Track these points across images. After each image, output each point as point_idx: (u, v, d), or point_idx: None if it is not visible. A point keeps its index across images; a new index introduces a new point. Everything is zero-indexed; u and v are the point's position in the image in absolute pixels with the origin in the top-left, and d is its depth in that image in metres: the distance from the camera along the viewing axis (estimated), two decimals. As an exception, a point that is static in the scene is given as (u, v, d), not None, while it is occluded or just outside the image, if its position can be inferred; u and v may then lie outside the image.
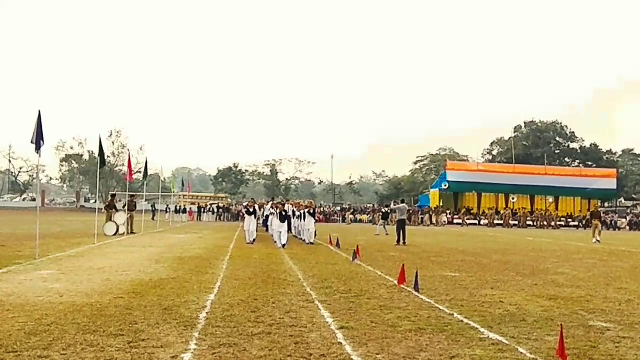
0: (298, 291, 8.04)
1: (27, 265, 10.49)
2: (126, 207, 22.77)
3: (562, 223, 46.92)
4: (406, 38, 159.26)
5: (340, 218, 48.04)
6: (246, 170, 78.84)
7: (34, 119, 11.65)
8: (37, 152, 12.05)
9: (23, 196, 76.87)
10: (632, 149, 76.99)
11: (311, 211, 18.36)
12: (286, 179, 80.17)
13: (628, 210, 53.11)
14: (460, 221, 46.47)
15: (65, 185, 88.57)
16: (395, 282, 8.92)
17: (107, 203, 22.71)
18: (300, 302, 7.12)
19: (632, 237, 30.70)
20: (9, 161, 77.41)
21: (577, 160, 72.54)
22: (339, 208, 54.35)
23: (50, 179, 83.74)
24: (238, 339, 5.20)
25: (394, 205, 22.51)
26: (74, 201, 77.25)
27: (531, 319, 6.36)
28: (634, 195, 70.84)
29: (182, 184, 48.29)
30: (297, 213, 19.71)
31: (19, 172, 78.41)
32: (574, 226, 46.07)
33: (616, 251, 18.12)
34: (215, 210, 49.27)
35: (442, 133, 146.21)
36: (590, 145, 73.17)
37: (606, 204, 61.03)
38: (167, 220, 37.64)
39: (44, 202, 69.53)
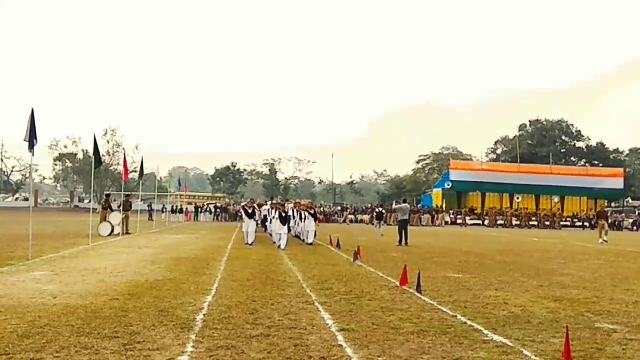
0: (297, 293, 7.93)
1: (19, 267, 10.36)
2: (121, 207, 22.60)
3: (568, 223, 46.78)
4: (406, 34, 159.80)
5: (342, 218, 47.91)
6: (244, 170, 78.80)
7: (27, 117, 11.50)
8: (31, 151, 11.88)
9: (16, 196, 76.55)
10: (639, 148, 76.91)
11: (312, 212, 18.22)
12: (285, 178, 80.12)
13: (636, 211, 52.95)
14: (465, 222, 46.43)
15: (58, 185, 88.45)
16: (397, 283, 8.82)
17: (103, 203, 22.53)
18: (299, 304, 7.02)
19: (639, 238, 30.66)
20: (1, 160, 77.14)
21: (584, 160, 72.51)
22: (339, 208, 54.20)
23: (44, 178, 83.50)
24: (236, 341, 5.11)
25: (396, 205, 22.41)
26: (68, 201, 76.99)
27: (536, 321, 6.27)
28: (641, 195, 70.86)
29: (179, 184, 48.13)
30: (302, 214, 19.50)
31: (12, 171, 78.08)
32: (579, 226, 45.97)
33: (623, 252, 18.05)
34: (213, 210, 49.12)
35: (444, 131, 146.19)
36: (597, 144, 73.11)
37: (613, 204, 60.98)
38: (163, 221, 37.47)
39: (37, 202, 69.29)
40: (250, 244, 16.94)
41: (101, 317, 5.96)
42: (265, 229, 22.95)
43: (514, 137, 73.06)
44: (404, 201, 21.58)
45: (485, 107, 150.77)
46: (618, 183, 53.06)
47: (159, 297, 7.27)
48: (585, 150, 73.80)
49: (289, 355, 4.71)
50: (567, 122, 75.24)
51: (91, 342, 4.96)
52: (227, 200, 63.78)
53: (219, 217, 47.77)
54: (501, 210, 48.31)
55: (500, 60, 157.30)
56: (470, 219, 46.91)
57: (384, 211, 30.20)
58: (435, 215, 45.62)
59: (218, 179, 77.86)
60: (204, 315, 6.21)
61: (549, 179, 51.09)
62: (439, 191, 52.21)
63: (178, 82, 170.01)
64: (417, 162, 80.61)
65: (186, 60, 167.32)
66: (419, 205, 52.54)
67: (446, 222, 46.09)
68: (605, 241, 22.51)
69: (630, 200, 68.22)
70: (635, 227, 45.59)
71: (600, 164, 64.75)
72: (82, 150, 70.57)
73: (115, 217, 21.37)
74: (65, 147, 72.40)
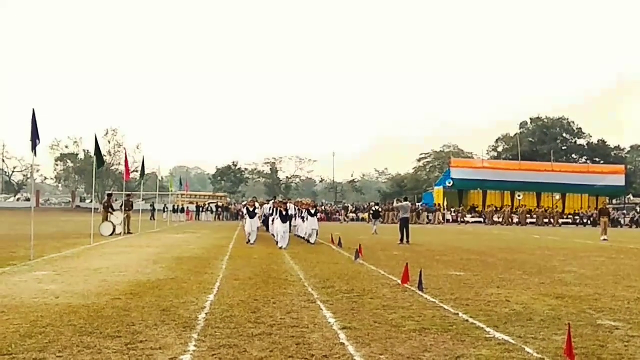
0: (299, 291, 7.93)
1: (21, 267, 10.37)
2: (123, 207, 22.61)
3: (569, 221, 46.66)
4: (409, 34, 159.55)
5: (341, 217, 47.89)
6: (245, 169, 78.83)
7: (28, 117, 11.51)
8: (33, 152, 11.89)
9: (17, 196, 76.59)
10: (640, 145, 76.88)
11: (313, 210, 18.20)
12: (286, 177, 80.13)
13: (637, 208, 52.83)
14: (464, 219, 46.37)
15: (60, 185, 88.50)
16: (399, 281, 8.82)
17: (104, 203, 22.55)
18: (301, 302, 7.02)
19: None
20: (3, 161, 77.11)
21: (585, 157, 72.46)
22: (340, 206, 54.18)
23: (45, 178, 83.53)
24: (238, 340, 5.10)
25: (397, 203, 22.41)
26: (69, 201, 77.01)
27: (538, 318, 6.26)
28: (642, 192, 70.64)
29: (180, 183, 48.16)
30: (303, 212, 19.46)
31: (13, 171, 78.14)
32: (580, 224, 45.88)
33: (625, 249, 18.03)
34: (214, 209, 49.13)
35: (446, 129, 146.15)
36: (598, 141, 73.05)
37: (614, 201, 60.86)
38: (164, 220, 37.49)
39: (38, 202, 69.32)
40: (252, 243, 16.95)
41: (103, 317, 5.96)
42: (267, 228, 22.91)
43: (515, 134, 72.96)
44: (405, 199, 21.57)
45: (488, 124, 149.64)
46: (619, 180, 52.91)
47: (161, 297, 7.28)
48: (586, 147, 73.73)
49: (291, 353, 4.71)
50: (567, 119, 75.19)
51: (93, 341, 4.96)
52: (228, 199, 63.81)
53: (221, 217, 47.79)
54: (501, 207, 48.24)
55: (501, 70, 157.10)
56: (471, 217, 46.88)
57: (380, 209, 30.13)
58: (433, 213, 45.59)
59: (219, 178, 77.93)
60: (206, 314, 6.21)
61: (550, 176, 50.99)
62: (440, 189, 52.09)
63: (179, 82, 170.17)
64: (418, 160, 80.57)
65: (187, 61, 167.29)
66: (419, 204, 52.47)
67: (447, 220, 46.05)
68: (605, 239, 22.45)
69: (631, 197, 68.07)
70: (633, 224, 45.52)
71: (602, 161, 64.68)
72: (84, 150, 70.73)
73: (117, 217, 21.39)
74: (66, 147, 72.59)
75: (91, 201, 58.52)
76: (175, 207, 46.92)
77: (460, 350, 4.87)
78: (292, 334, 5.36)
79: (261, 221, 24.27)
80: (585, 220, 46.17)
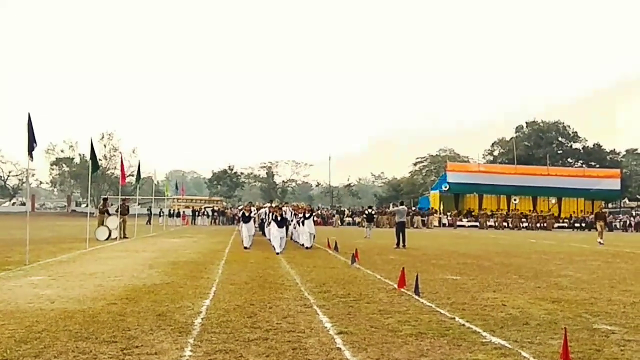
0: (296, 296, 7.92)
1: (17, 272, 10.31)
2: (119, 212, 22.54)
3: (564, 225, 46.77)
4: (404, 39, 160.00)
5: (339, 221, 47.82)
6: (242, 173, 78.78)
7: (24, 122, 11.49)
8: (30, 156, 11.85)
9: (12, 201, 76.35)
10: (636, 149, 76.98)
11: (309, 215, 18.18)
12: (283, 181, 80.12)
13: (633, 212, 53.02)
14: (460, 223, 46.43)
15: (55, 190, 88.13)
16: (395, 285, 8.82)
17: (100, 207, 22.49)
18: (298, 307, 7.01)
19: (638, 239, 30.66)
20: (-2, 165, 76.75)
21: (580, 161, 72.59)
22: (333, 211, 54.12)
23: (41, 183, 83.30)
24: (234, 345, 5.09)
25: (393, 207, 22.45)
26: (65, 205, 76.84)
27: (534, 323, 6.27)
28: (638, 196, 70.63)
29: (176, 188, 48.05)
30: (298, 217, 19.44)
31: (8, 176, 77.81)
32: (573, 228, 45.96)
33: (620, 253, 18.05)
34: (210, 214, 49.03)
35: (442, 133, 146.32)
36: (594, 145, 73.26)
37: (610, 205, 61.06)
38: (160, 225, 37.40)
39: (34, 206, 69.12)
40: (248, 248, 16.91)
41: (99, 322, 5.94)
42: (264, 233, 22.88)
43: (511, 138, 73.20)
44: (401, 204, 21.60)
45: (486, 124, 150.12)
46: (615, 184, 53.13)
47: (156, 302, 7.26)
48: (582, 151, 73.96)
49: (287, 358, 4.71)
50: (563, 123, 75.44)
51: (89, 347, 4.94)
52: (224, 203, 63.70)
53: (217, 221, 47.69)
54: (496, 211, 48.33)
55: (497, 72, 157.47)
56: (468, 221, 46.94)
57: (374, 213, 30.11)
58: (427, 218, 45.61)
59: (215, 182, 77.86)
60: (202, 319, 6.20)
61: (546, 180, 51.16)
62: (436, 193, 52.22)
63: (175, 86, 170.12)
64: (415, 165, 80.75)
65: (183, 65, 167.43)
66: (414, 208, 52.53)
67: (444, 225, 46.08)
68: (601, 243, 22.51)
69: (627, 201, 68.36)
70: (627, 229, 45.63)
71: (597, 165, 64.85)
72: (79, 154, 70.49)
73: (113, 222, 21.32)
74: (62, 151, 72.33)
75: (87, 206, 58.40)
76: (172, 211, 46.81)
77: (457, 355, 4.87)
78: (288, 339, 5.36)
79: (257, 225, 24.26)
80: (581, 224, 46.26)
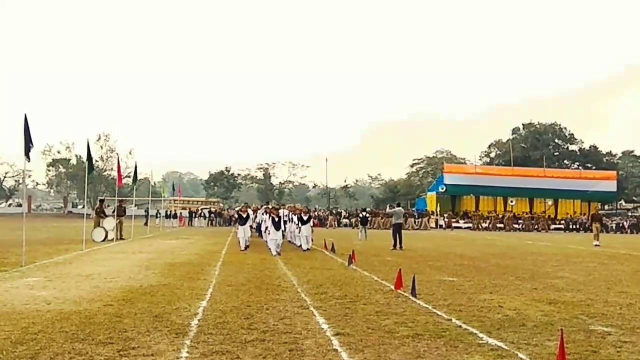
0: (292, 297, 7.92)
1: (13, 273, 10.29)
2: (115, 213, 22.50)
3: (560, 226, 46.83)
4: (400, 37, 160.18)
5: (335, 222, 47.80)
6: (239, 174, 78.72)
7: (20, 122, 11.46)
8: (27, 157, 11.83)
9: (9, 202, 76.12)
10: (632, 151, 77.08)
11: (307, 217, 18.15)
12: (280, 182, 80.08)
13: (629, 213, 53.16)
14: (457, 225, 46.49)
15: (52, 191, 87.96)
16: (392, 287, 8.82)
17: (97, 209, 22.43)
18: (294, 309, 7.00)
19: (634, 240, 30.73)
20: (-6, 166, 76.53)
21: (577, 163, 72.81)
22: (330, 212, 54.03)
23: (37, 184, 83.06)
24: (231, 346, 5.09)
25: (390, 209, 22.48)
26: (62, 207, 76.62)
27: (531, 324, 6.28)
28: (634, 198, 70.91)
29: (173, 189, 47.99)
30: (294, 218, 19.41)
31: (5, 177, 77.62)
32: (570, 229, 46.03)
33: (617, 254, 18.09)
34: (207, 215, 48.99)
35: (439, 133, 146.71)
36: (590, 147, 73.45)
37: (606, 207, 61.20)
38: (157, 226, 37.33)
39: (30, 208, 68.97)
40: (245, 250, 16.88)
41: (95, 323, 5.93)
42: (260, 235, 22.83)
43: (508, 140, 73.32)
44: (398, 205, 21.62)
45: (479, 116, 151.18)
46: (611, 186, 53.28)
47: (153, 303, 7.25)
48: (578, 153, 74.14)
49: (284, 359, 4.70)
50: (560, 125, 75.59)
51: (85, 348, 4.93)
52: (221, 205, 63.66)
53: (213, 222, 47.64)
54: (489, 213, 48.45)
55: (494, 70, 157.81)
56: (464, 223, 47.01)
57: (368, 216, 30.09)
58: (421, 220, 45.63)
59: (212, 183, 77.79)
60: (198, 320, 6.19)
61: (543, 182, 51.28)
62: (433, 195, 52.28)
63: (172, 87, 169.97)
64: (412, 166, 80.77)
65: (179, 66, 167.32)
66: (412, 209, 52.56)
67: (441, 226, 46.14)
68: (598, 245, 22.56)
69: (623, 203, 68.55)
70: (620, 230, 45.71)
71: (594, 167, 65.04)
72: (76, 155, 70.35)
73: (109, 223, 21.28)
74: (58, 152, 72.23)
75: (83, 207, 58.22)
76: (168, 212, 46.75)
77: (454, 357, 4.88)
78: (285, 340, 5.35)
79: (255, 227, 24.23)
80: (577, 226, 46.35)
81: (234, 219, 37.24)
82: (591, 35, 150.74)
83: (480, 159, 75.88)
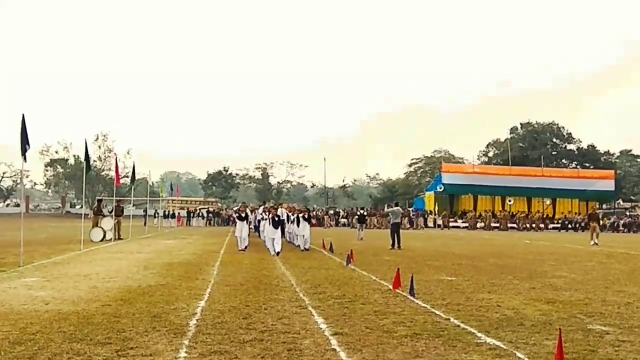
0: (291, 297, 7.92)
1: (11, 273, 10.27)
2: (113, 213, 22.48)
3: (558, 225, 46.89)
4: (398, 34, 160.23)
5: (331, 222, 47.77)
6: (237, 174, 78.69)
7: (18, 122, 11.45)
8: (23, 157, 11.81)
9: (7, 202, 75.99)
10: (630, 150, 77.27)
11: (306, 216, 18.13)
12: (278, 182, 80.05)
13: (627, 213, 53.20)
14: (455, 224, 46.50)
15: (50, 191, 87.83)
16: (391, 287, 8.83)
17: (95, 209, 22.41)
18: (293, 308, 7.00)
19: (631, 239, 30.78)
20: (-8, 166, 76.35)
21: (575, 162, 72.80)
22: (332, 212, 54.03)
23: (35, 184, 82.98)
24: (229, 346, 5.09)
25: (388, 209, 22.48)
26: (60, 207, 76.53)
27: (529, 323, 6.28)
28: (632, 197, 70.97)
29: (171, 189, 47.95)
30: (292, 218, 19.39)
31: (2, 177, 77.49)
32: (568, 229, 46.07)
33: (615, 254, 18.11)
34: (205, 215, 48.95)
35: (435, 134, 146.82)
36: (588, 146, 73.48)
37: (604, 206, 61.24)
38: (155, 226, 37.29)
39: (28, 208, 68.87)
40: (244, 250, 16.86)
41: (94, 324, 5.92)
42: (259, 235, 22.81)
43: (506, 139, 73.28)
44: (396, 205, 21.63)
45: (476, 109, 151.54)
46: (609, 185, 53.28)
47: (151, 303, 7.24)
48: (576, 152, 74.19)
49: (282, 359, 4.70)
50: (558, 124, 75.69)
51: (84, 348, 4.93)
52: (219, 205, 63.62)
53: (212, 222, 47.61)
54: (484, 212, 48.52)
55: (490, 63, 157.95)
56: (463, 222, 47.06)
57: (366, 215, 30.08)
58: (415, 219, 45.64)
59: (210, 183, 77.76)
60: (197, 320, 6.19)
61: (541, 181, 51.25)
62: (431, 194, 52.30)
63: (169, 87, 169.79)
64: (410, 166, 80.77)
65: (177, 66, 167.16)
66: (412, 209, 52.54)
67: (439, 226, 46.17)
68: (596, 244, 22.60)
69: (621, 202, 68.63)
70: (616, 229, 45.72)
71: (592, 166, 65.06)
72: (74, 155, 70.23)
73: (107, 223, 21.26)
74: (56, 152, 72.06)
75: (81, 207, 58.17)
76: (166, 212, 46.70)
77: (452, 356, 4.88)
78: (283, 340, 5.35)
79: (253, 227, 24.24)
80: (575, 225, 46.38)
81: (232, 218, 37.23)
82: (590, 32, 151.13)
83: (478, 159, 75.93)
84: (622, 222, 47.31)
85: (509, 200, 50.31)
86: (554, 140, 75.13)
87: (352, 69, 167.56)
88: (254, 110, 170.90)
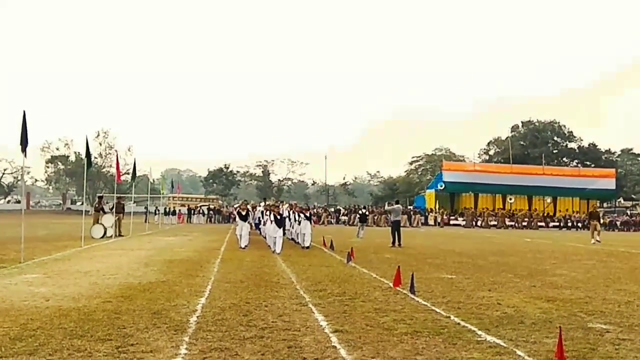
0: (291, 294, 7.92)
1: (12, 269, 10.29)
2: (114, 210, 22.48)
3: (558, 224, 46.95)
4: (399, 35, 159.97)
5: (327, 220, 47.68)
6: (237, 172, 78.67)
7: (19, 119, 11.45)
8: (23, 153, 11.81)
9: (7, 198, 76.05)
10: (631, 149, 76.93)
11: (308, 214, 18.11)
12: (279, 180, 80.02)
13: (628, 211, 53.18)
14: (456, 222, 46.51)
15: (51, 188, 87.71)
16: (391, 284, 8.83)
17: (95, 205, 22.42)
18: (293, 306, 7.01)
19: (632, 238, 30.78)
20: (-7, 162, 76.33)
21: (576, 160, 72.67)
22: (323, 209, 53.97)
23: (36, 180, 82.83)
24: (230, 343, 5.09)
25: (388, 206, 22.49)
26: (60, 203, 76.53)
27: (529, 322, 6.29)
28: (633, 196, 70.91)
29: (172, 186, 47.95)
30: (293, 215, 19.34)
31: (3, 173, 77.42)
32: (568, 227, 46.06)
33: (615, 252, 18.10)
34: (206, 212, 48.95)
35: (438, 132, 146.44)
36: (589, 145, 73.33)
37: (605, 205, 61.21)
38: (156, 223, 37.31)
39: (29, 204, 68.86)
40: (244, 248, 16.85)
41: (94, 320, 5.93)
42: (260, 232, 22.82)
43: (507, 138, 73.18)
44: (397, 202, 21.64)
45: (479, 114, 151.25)
46: (610, 184, 53.29)
47: (152, 300, 7.25)
48: (577, 151, 74.10)
49: (283, 356, 4.71)
50: (559, 123, 75.58)
51: (84, 344, 4.93)
52: (220, 202, 63.59)
53: (212, 219, 47.61)
54: (483, 210, 48.54)
55: (493, 68, 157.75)
56: (463, 220, 47.09)
57: (367, 213, 30.08)
58: (413, 217, 45.64)
59: (211, 180, 77.75)
60: (197, 317, 6.19)
61: (542, 179, 51.24)
62: (432, 192, 52.25)
63: (171, 84, 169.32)
64: (410, 164, 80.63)
65: (178, 63, 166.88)
66: (413, 207, 52.54)
67: (439, 224, 46.17)
68: (598, 241, 22.60)
69: (622, 201, 68.60)
70: (613, 228, 45.71)
71: (593, 165, 64.98)
72: (75, 152, 70.19)
73: (108, 220, 21.27)
74: (57, 149, 71.93)
75: (82, 204, 58.19)
76: (167, 209, 46.69)
77: (452, 354, 4.88)
78: (284, 337, 5.35)
79: (254, 225, 24.23)
80: (576, 224, 46.37)
81: (232, 216, 37.23)
82: (591, 32, 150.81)
83: (479, 157, 75.80)
84: (619, 221, 47.34)
85: (510, 199, 50.28)
86: (555, 138, 75.01)
87: (353, 72, 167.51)
88: (256, 110, 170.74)
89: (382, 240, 21.07)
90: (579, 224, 45.81)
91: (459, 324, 6.10)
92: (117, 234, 21.62)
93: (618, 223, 46.81)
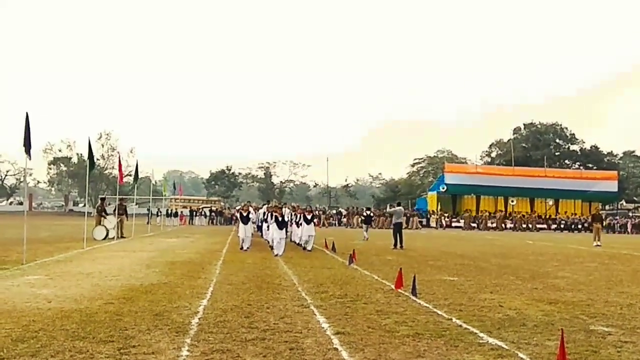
0: (293, 296, 7.92)
1: (14, 271, 10.30)
2: (116, 211, 22.52)
3: (561, 226, 46.86)
4: (401, 37, 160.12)
5: (336, 222, 47.67)
6: (239, 173, 78.78)
7: (22, 120, 11.49)
8: (27, 155, 11.85)
9: (10, 200, 76.24)
10: (633, 151, 76.90)
11: (310, 217, 18.08)
12: (281, 182, 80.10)
13: (630, 214, 53.06)
14: (457, 224, 46.45)
15: (53, 189, 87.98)
16: (393, 286, 8.82)
17: (98, 207, 22.46)
18: (295, 308, 7.01)
19: (635, 241, 30.70)
20: (-4, 164, 76.56)
21: (578, 163, 72.70)
22: (334, 211, 53.96)
23: (38, 182, 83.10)
24: (232, 345, 5.09)
25: (390, 209, 22.49)
26: (63, 205, 76.75)
27: (531, 324, 6.28)
28: (635, 198, 70.81)
29: (174, 187, 47.99)
30: (296, 218, 19.30)
31: (6, 175, 77.71)
32: (571, 229, 45.97)
33: (617, 255, 18.07)
34: (208, 214, 49.01)
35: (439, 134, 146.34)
36: (591, 147, 73.34)
37: (607, 207, 61.12)
38: (158, 225, 37.35)
39: (31, 206, 69.02)
40: (246, 250, 16.84)
41: (96, 322, 5.93)
42: (262, 234, 22.79)
43: (509, 140, 73.15)
44: (398, 204, 21.63)
45: (481, 116, 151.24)
46: (612, 186, 53.19)
47: (154, 301, 7.25)
48: (579, 153, 74.07)
49: (284, 358, 4.71)
50: (561, 125, 75.54)
51: (86, 346, 4.94)
52: (222, 204, 63.64)
53: (214, 221, 47.67)
54: (482, 212, 48.50)
55: (495, 70, 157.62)
56: (464, 222, 47.08)
57: (372, 215, 30.06)
58: (411, 219, 45.57)
59: (213, 182, 77.86)
60: (199, 319, 6.19)
61: (544, 182, 51.20)
62: (434, 194, 52.21)
63: (173, 86, 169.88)
64: (412, 166, 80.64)
65: (181, 65, 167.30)
66: (414, 209, 52.49)
67: (441, 226, 46.14)
68: (599, 245, 22.55)
69: (624, 203, 68.46)
70: (612, 230, 45.59)
71: (595, 167, 64.95)
72: (77, 154, 70.39)
73: (110, 221, 21.30)
74: (60, 151, 72.28)
75: (84, 205, 58.25)
76: (169, 211, 46.76)
77: (454, 356, 4.88)
78: (285, 339, 5.35)
79: (256, 226, 24.20)
80: (578, 226, 46.29)
81: (234, 218, 37.24)
82: (593, 34, 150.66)
83: (481, 159, 75.75)
84: (618, 224, 47.23)
85: (512, 201, 50.22)
86: (557, 140, 75.04)
87: (356, 75, 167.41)
88: (259, 111, 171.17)
89: (383, 243, 21.06)
90: (580, 226, 45.77)
91: (460, 326, 6.09)
92: (119, 236, 21.65)
93: (617, 226, 46.66)
